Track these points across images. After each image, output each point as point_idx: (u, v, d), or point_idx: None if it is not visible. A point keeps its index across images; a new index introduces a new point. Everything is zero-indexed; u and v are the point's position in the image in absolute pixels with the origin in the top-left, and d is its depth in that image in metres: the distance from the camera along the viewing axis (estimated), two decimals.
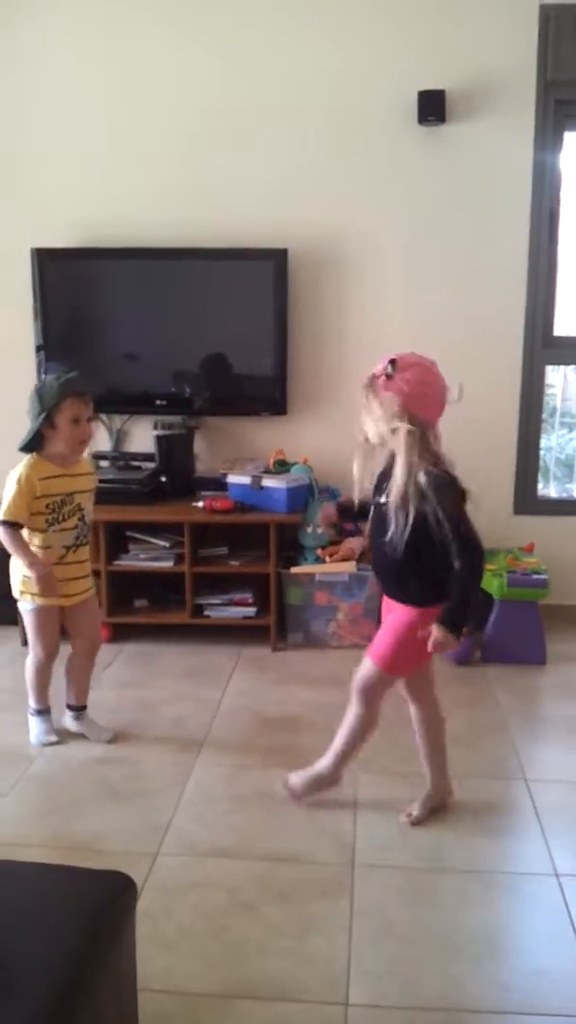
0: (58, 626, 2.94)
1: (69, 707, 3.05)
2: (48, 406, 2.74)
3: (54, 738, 2.96)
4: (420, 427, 2.27)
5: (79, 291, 4.09)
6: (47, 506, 2.80)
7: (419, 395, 2.28)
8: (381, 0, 3.81)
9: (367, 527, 2.47)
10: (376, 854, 2.36)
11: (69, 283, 4.06)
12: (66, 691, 3.05)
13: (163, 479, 3.99)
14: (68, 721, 3.05)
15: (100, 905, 1.38)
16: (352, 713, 2.52)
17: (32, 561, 2.77)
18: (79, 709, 3.04)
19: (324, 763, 2.55)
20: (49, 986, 1.23)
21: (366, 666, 2.47)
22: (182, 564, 3.81)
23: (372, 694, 2.47)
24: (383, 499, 2.34)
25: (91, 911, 1.37)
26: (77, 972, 1.28)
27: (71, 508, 2.84)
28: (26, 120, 4.03)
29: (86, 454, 3.00)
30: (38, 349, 4.02)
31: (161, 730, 3.08)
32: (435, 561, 2.28)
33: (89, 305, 4.11)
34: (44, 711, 3.00)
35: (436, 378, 2.33)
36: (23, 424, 2.83)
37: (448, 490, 2.25)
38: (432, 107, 3.81)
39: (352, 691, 2.49)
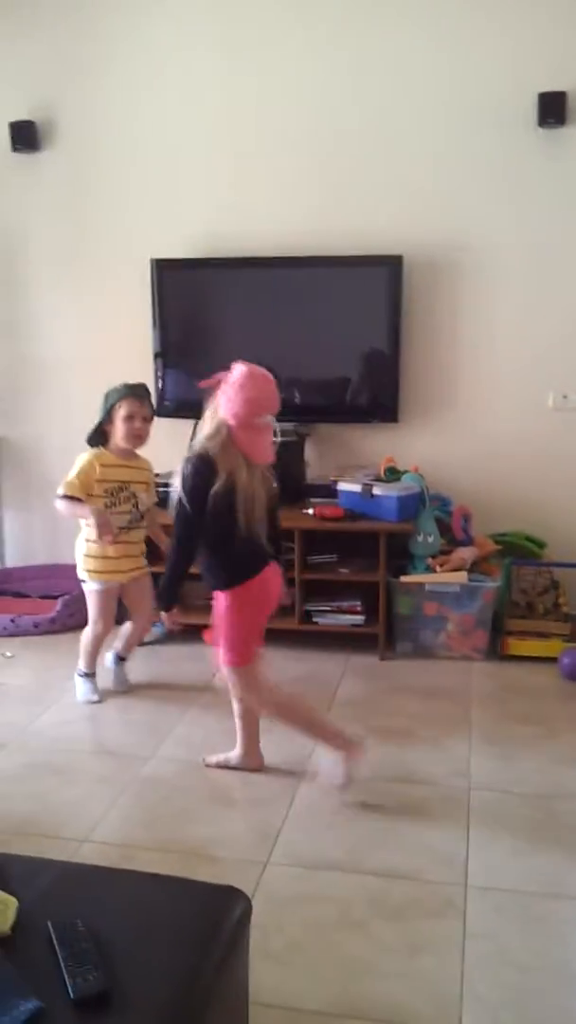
0: (115, 604, 3.40)
1: (116, 654, 3.52)
2: (110, 404, 3.24)
3: (96, 697, 3.38)
4: (226, 425, 2.55)
5: (196, 300, 4.16)
6: (105, 491, 3.25)
7: (227, 398, 2.55)
8: (499, 2, 3.74)
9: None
10: (489, 875, 2.31)
11: (186, 292, 4.13)
12: (118, 640, 3.53)
13: (273, 486, 3.99)
14: (107, 661, 3.53)
15: (216, 921, 1.39)
16: (235, 707, 2.81)
17: (90, 510, 3.14)
18: (121, 659, 3.53)
19: (235, 752, 2.85)
20: (163, 1002, 1.24)
21: (224, 673, 2.74)
22: (291, 570, 3.82)
23: (243, 689, 2.72)
24: None
25: (207, 927, 1.38)
26: (191, 989, 1.29)
27: (126, 495, 3.31)
28: (147, 133, 4.12)
29: (142, 451, 3.38)
30: (156, 356, 4.10)
31: (270, 737, 3.08)
32: (205, 543, 2.60)
33: (205, 313, 4.17)
34: (91, 675, 3.42)
35: (245, 385, 2.53)
36: None
37: (187, 473, 2.54)
38: (553, 109, 3.72)
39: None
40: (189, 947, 1.34)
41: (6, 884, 1.43)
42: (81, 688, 3.41)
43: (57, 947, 1.31)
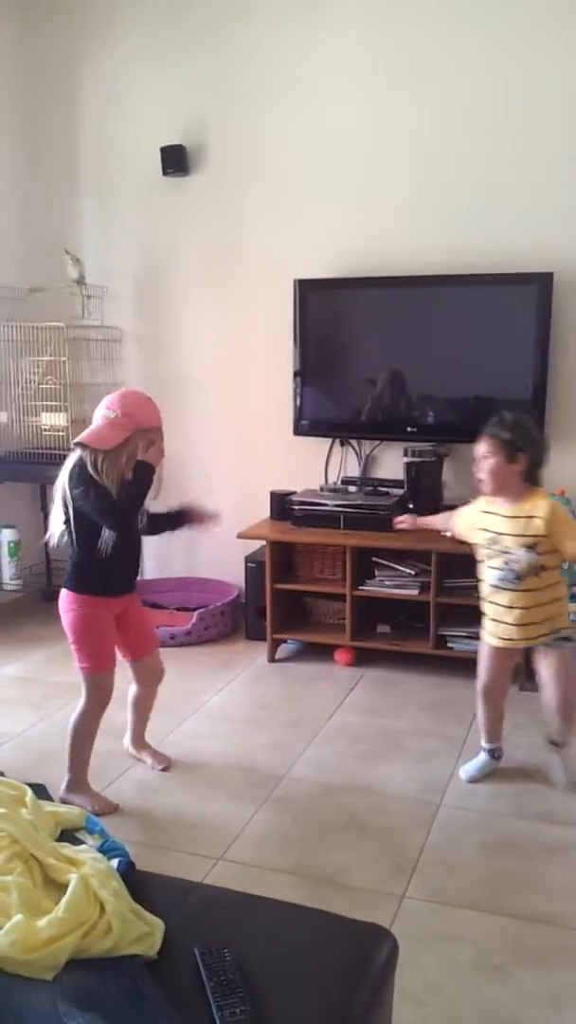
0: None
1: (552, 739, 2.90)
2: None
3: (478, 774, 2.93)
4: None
5: (337, 319, 4.15)
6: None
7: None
8: None
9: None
10: None
11: (328, 312, 4.13)
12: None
13: (411, 506, 3.94)
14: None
15: (363, 961, 1.35)
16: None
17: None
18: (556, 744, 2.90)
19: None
20: None
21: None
22: (427, 593, 3.75)
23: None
24: None
25: (354, 966, 1.34)
26: None
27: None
28: (290, 155, 4.15)
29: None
30: (296, 375, 4.12)
31: (406, 763, 3.02)
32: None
33: (347, 332, 4.15)
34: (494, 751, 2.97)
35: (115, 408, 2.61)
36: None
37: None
38: None
39: None
40: (336, 986, 1.30)
41: (153, 906, 1.43)
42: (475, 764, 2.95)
43: (204, 976, 1.30)
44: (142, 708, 2.99)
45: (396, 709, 3.48)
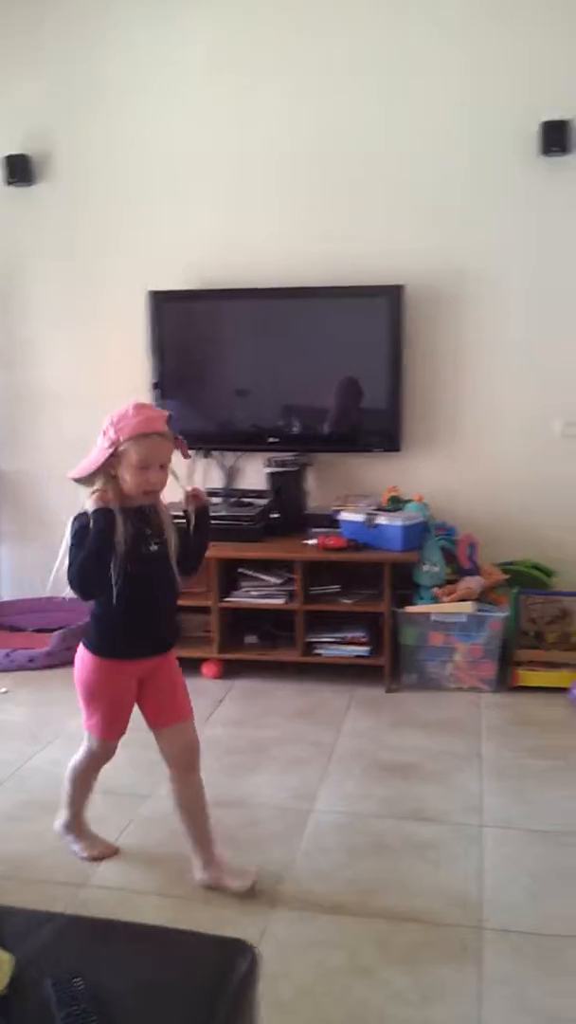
0: None
1: None
2: None
3: None
4: None
5: (193, 331, 4.13)
6: None
7: None
8: (503, 30, 3.74)
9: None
10: (505, 917, 2.22)
11: (183, 323, 4.11)
12: None
13: (275, 516, 3.95)
14: None
15: (222, 977, 1.32)
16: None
17: None
18: None
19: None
20: None
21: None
22: (294, 601, 3.76)
23: None
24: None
25: (213, 983, 1.30)
26: None
27: None
28: (143, 165, 4.11)
29: None
30: (153, 387, 4.07)
31: (276, 773, 3.00)
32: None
33: (203, 344, 4.13)
34: None
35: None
36: None
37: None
38: (556, 138, 3.71)
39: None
40: (194, 1005, 1.26)
41: (2, 939, 1.36)
42: None
43: (55, 1008, 1.23)
44: (192, 813, 2.36)
45: (265, 719, 3.46)
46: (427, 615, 3.67)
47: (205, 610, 3.84)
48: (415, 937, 2.16)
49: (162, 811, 2.74)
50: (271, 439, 4.04)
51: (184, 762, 2.35)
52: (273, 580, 3.84)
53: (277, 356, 4.03)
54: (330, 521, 3.87)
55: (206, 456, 4.20)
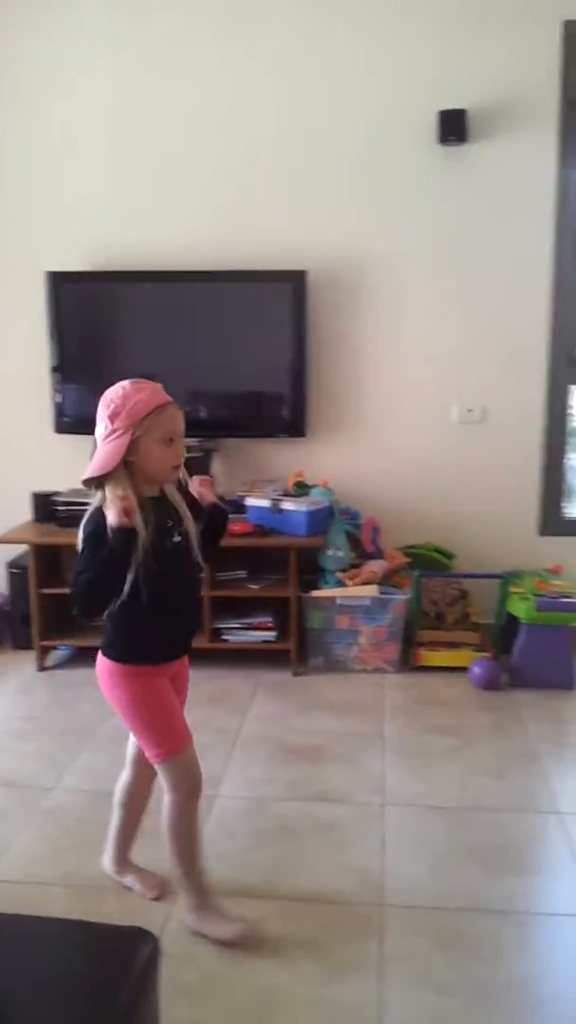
0: None
1: None
2: None
3: None
4: None
5: (95, 313, 4.05)
6: None
7: None
8: (400, 20, 3.77)
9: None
10: (407, 894, 2.27)
11: (84, 305, 4.02)
12: None
13: None
14: None
15: (122, 966, 1.30)
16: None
17: None
18: None
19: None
20: None
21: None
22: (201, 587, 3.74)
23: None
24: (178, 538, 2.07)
25: (113, 973, 1.29)
26: None
27: None
28: (42, 144, 4.01)
29: None
30: (53, 371, 3.98)
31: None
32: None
33: (105, 327, 4.06)
34: None
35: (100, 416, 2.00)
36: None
37: None
38: (453, 127, 3.76)
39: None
40: (93, 996, 1.25)
41: None
42: None
43: None
44: (136, 804, 2.29)
45: None
46: (332, 599, 3.71)
47: None
48: (320, 918, 2.18)
49: (66, 805, 2.71)
50: None
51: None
52: None
53: (181, 340, 3.98)
54: (236, 507, 3.85)
55: None
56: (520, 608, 3.57)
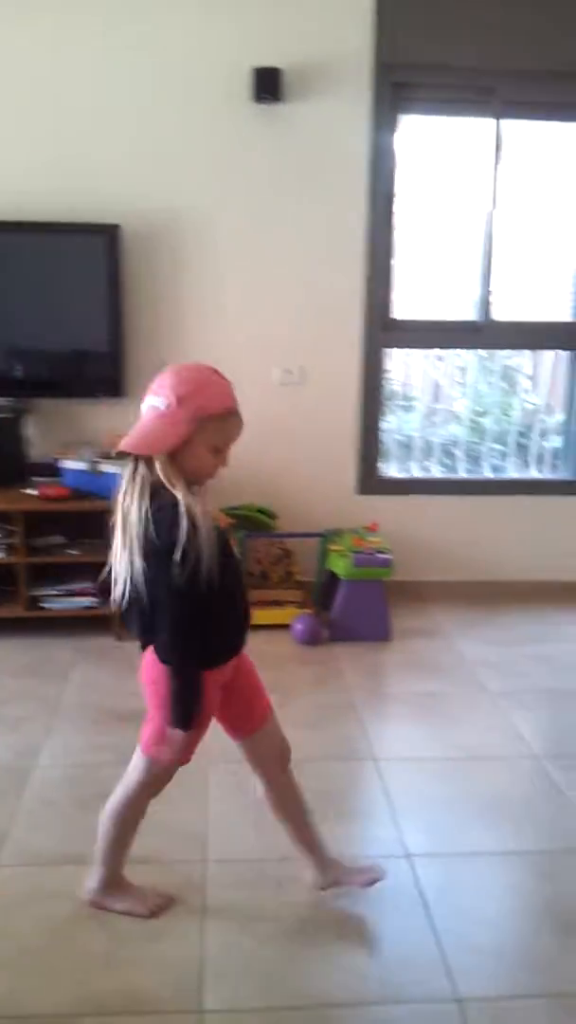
0: None
1: None
2: None
3: None
4: None
5: None
6: None
7: None
8: None
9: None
10: (227, 848, 2.30)
11: None
12: None
13: None
14: None
15: None
16: None
17: None
18: None
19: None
20: None
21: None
22: (15, 555, 3.61)
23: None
24: None
25: None
26: None
27: None
28: None
29: None
30: None
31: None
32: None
33: None
34: None
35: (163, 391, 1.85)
36: None
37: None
38: (268, 85, 3.74)
39: None
40: None
41: None
42: None
43: None
44: (291, 808, 2.10)
45: None
46: None
47: None
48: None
49: None
50: None
51: (283, 762, 2.08)
52: None
53: None
54: (52, 470, 3.74)
55: None
56: (339, 565, 3.66)
